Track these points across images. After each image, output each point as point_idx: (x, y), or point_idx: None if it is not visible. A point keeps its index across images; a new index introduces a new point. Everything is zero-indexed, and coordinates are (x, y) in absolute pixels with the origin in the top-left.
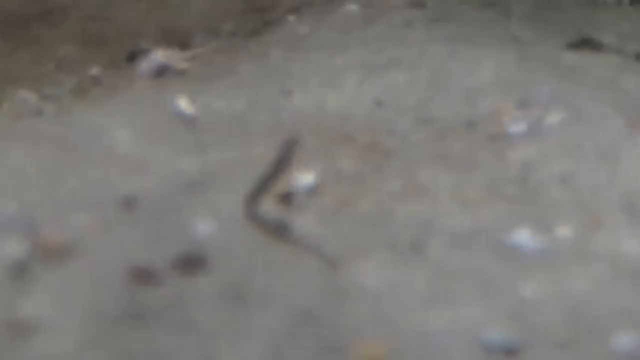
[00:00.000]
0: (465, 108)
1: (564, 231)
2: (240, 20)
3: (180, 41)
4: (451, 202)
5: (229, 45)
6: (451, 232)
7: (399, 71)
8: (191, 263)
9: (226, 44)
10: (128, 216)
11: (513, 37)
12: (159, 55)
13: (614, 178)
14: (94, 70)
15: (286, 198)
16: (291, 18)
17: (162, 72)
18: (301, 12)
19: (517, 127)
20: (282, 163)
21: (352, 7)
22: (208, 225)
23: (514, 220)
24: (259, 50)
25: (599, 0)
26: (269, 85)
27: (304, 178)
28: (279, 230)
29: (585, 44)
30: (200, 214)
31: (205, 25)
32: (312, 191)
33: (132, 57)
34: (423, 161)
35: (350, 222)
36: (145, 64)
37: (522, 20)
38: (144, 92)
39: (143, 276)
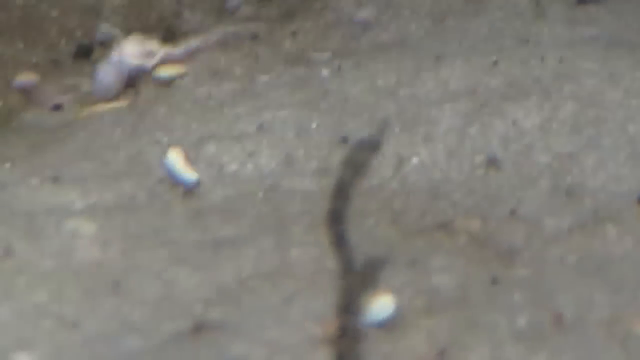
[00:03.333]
0: (637, 173)
1: None
2: None
3: (164, 24)
4: None
5: (244, 35)
6: None
7: (523, 104)
8: None
9: (238, 32)
10: None
11: None
12: (128, 52)
13: None
14: (23, 77)
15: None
16: None
17: (133, 81)
18: None
19: None
20: None
21: None
22: None
23: None
24: (292, 47)
25: None
26: (302, 121)
27: (377, 305)
28: None
29: None
30: None
31: None
32: (388, 329)
33: (84, 52)
34: (567, 275)
35: None
36: (105, 69)
37: None
38: (114, 143)
39: None
